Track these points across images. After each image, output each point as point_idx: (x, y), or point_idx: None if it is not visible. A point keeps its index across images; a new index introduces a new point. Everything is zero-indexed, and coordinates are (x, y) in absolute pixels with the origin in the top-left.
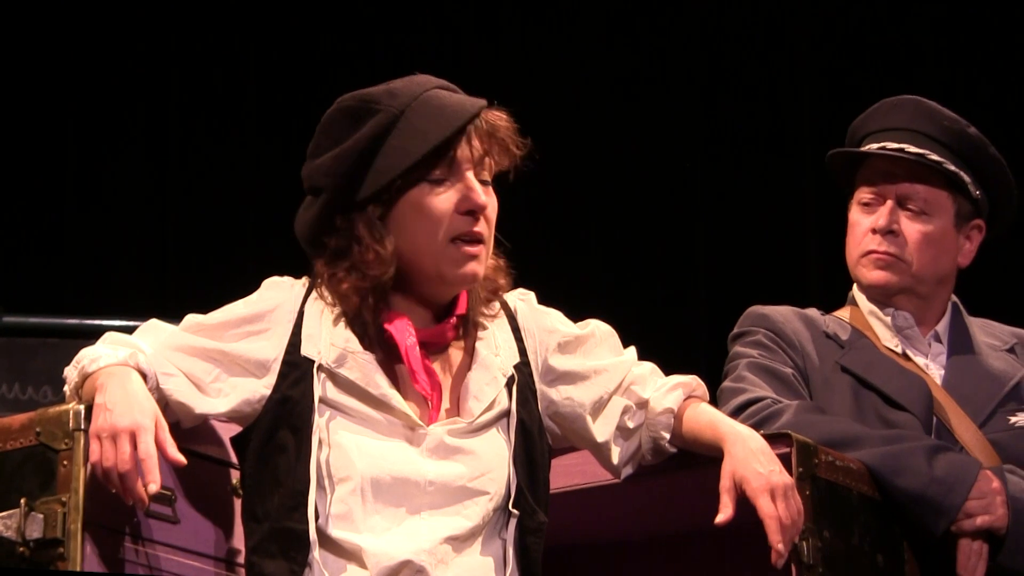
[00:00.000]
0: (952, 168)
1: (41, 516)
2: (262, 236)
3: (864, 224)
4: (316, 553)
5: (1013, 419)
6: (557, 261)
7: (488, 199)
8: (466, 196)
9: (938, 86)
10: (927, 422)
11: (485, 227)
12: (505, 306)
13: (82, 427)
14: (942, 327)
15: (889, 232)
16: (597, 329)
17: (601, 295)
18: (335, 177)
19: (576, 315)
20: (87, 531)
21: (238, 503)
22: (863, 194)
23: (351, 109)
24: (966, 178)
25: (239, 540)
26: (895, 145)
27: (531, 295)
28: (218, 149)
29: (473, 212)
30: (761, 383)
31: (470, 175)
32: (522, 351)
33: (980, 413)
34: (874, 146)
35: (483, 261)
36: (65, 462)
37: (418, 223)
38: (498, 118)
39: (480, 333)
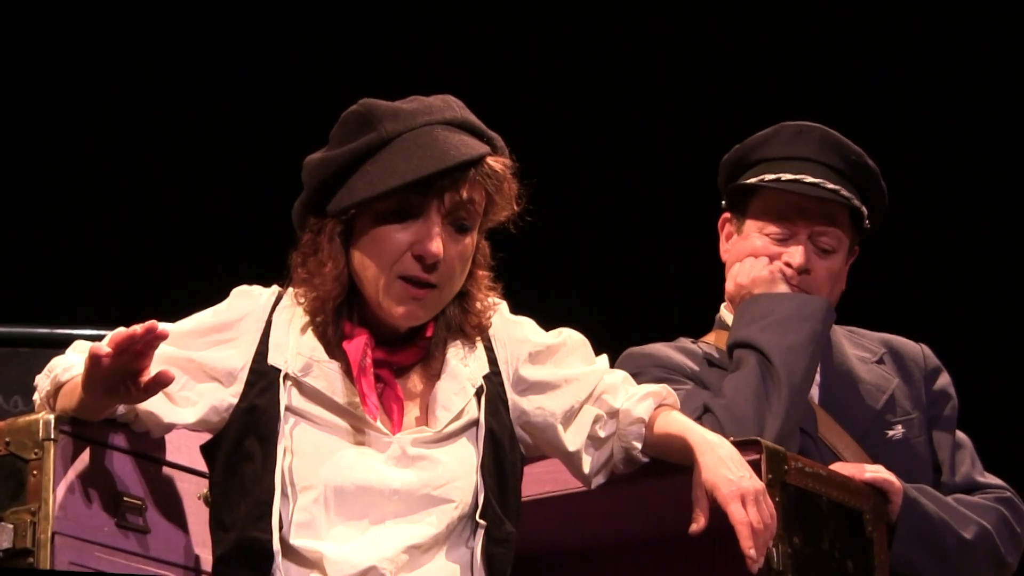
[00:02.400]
0: (858, 204)
1: (11, 526)
2: (233, 246)
3: (772, 252)
4: (279, 562)
5: (891, 432)
6: (529, 263)
7: (455, 247)
8: (420, 241)
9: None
10: (816, 442)
11: (441, 274)
12: None
13: (52, 437)
14: None
15: (804, 271)
16: (569, 338)
17: (571, 295)
18: (314, 180)
19: (546, 317)
20: (57, 541)
21: (208, 512)
22: (771, 227)
23: (360, 116)
24: (864, 211)
25: (210, 549)
26: (812, 179)
27: (503, 304)
28: (190, 159)
29: (424, 260)
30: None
31: (436, 220)
32: (492, 361)
33: (858, 430)
34: (787, 176)
35: (429, 306)
36: (35, 472)
37: (371, 251)
38: (495, 168)
39: (450, 343)
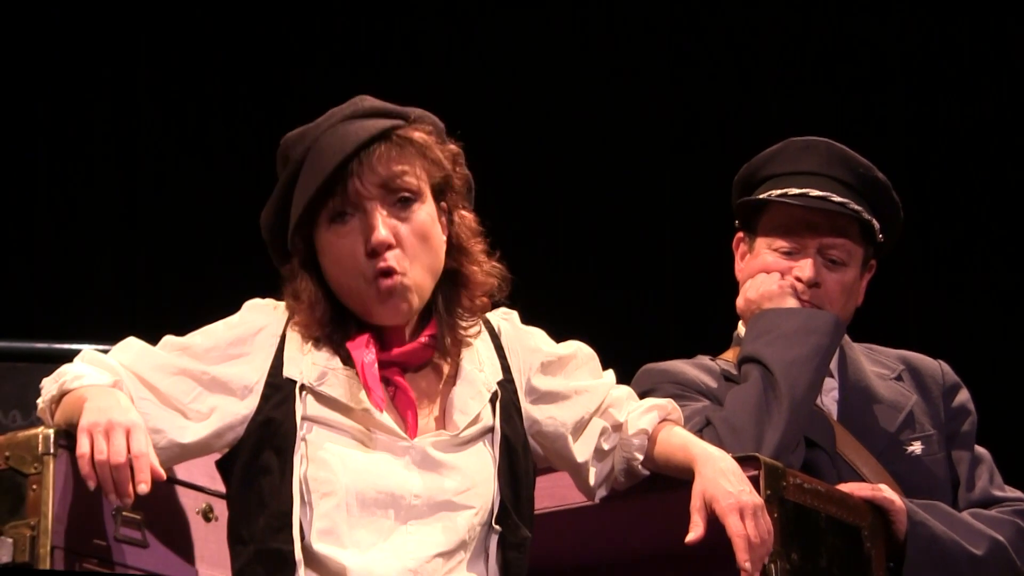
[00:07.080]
0: (868, 217)
1: (10, 540)
2: (234, 260)
3: (781, 266)
4: (302, 573)
5: (910, 448)
6: (530, 280)
7: (405, 224)
8: (365, 239)
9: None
10: (833, 457)
11: (399, 256)
12: (488, 325)
13: (51, 451)
14: (833, 362)
15: (814, 284)
16: (580, 351)
17: (569, 303)
18: (266, 232)
19: (547, 324)
20: (56, 555)
21: (207, 527)
22: (780, 242)
23: (280, 155)
24: (876, 225)
25: (208, 564)
26: (818, 192)
27: (514, 314)
28: (189, 170)
29: (376, 252)
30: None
31: (371, 209)
32: (505, 368)
33: (877, 445)
34: (794, 190)
35: (408, 293)
36: (34, 486)
37: (333, 266)
38: (409, 134)
39: (464, 350)
